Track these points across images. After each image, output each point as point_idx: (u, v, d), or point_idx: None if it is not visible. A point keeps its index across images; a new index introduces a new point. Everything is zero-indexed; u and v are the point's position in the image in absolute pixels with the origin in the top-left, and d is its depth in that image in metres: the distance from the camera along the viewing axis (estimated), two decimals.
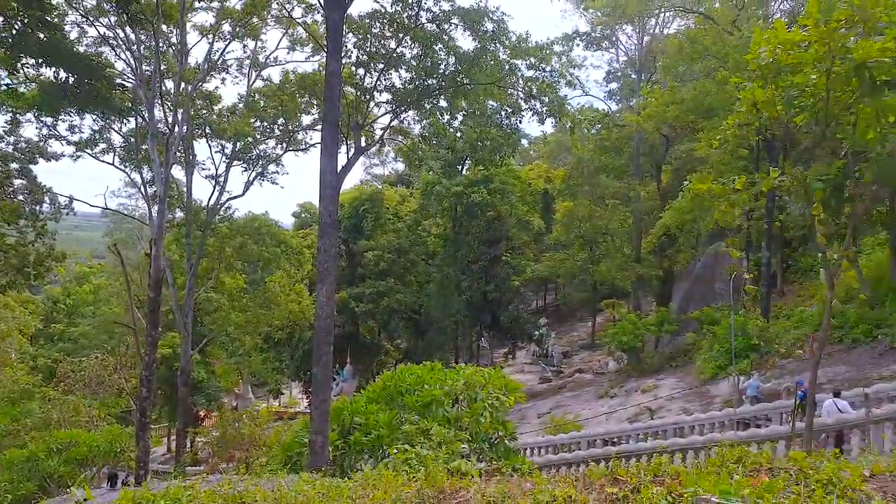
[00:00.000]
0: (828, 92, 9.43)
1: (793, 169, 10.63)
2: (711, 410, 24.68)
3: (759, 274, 34.30)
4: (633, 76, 52.80)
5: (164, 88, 29.90)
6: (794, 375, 24.60)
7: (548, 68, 22.52)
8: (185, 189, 35.31)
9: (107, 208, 34.06)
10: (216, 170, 35.71)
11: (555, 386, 44.73)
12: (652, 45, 50.28)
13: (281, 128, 35.84)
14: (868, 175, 17.93)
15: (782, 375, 26.71)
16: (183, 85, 29.97)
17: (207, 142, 35.37)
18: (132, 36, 28.04)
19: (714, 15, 38.21)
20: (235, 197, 37.20)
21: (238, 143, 35.23)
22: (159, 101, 29.08)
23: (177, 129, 28.97)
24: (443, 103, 23.38)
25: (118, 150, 32.84)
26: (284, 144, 36.66)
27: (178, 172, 35.77)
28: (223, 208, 36.82)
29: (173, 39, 30.30)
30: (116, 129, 32.16)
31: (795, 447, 16.05)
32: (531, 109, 23.14)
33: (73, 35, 27.99)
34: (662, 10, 45.22)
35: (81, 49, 28.01)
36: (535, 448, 23.19)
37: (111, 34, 28.55)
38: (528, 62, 23.00)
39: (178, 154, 31.88)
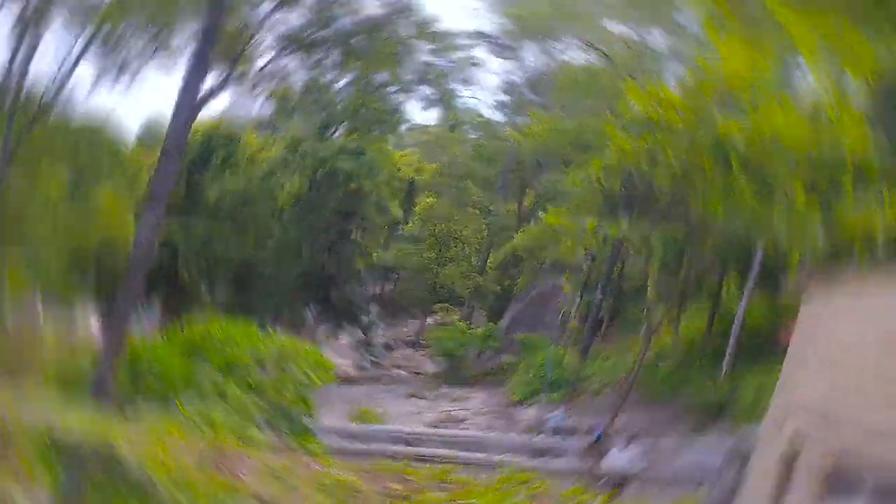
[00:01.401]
0: (689, 156, 9.63)
1: (641, 224, 10.80)
2: (513, 433, 25.20)
3: (587, 314, 35.55)
4: (526, 94, 53.59)
5: None
6: (597, 416, 25.55)
7: (447, 56, 22.07)
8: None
9: None
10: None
11: (370, 376, 44.43)
12: (552, 68, 51.19)
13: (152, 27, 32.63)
14: (707, 246, 18.97)
15: (586, 414, 27.72)
16: None
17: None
18: None
19: (616, 58, 39.18)
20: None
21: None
22: None
23: None
24: (335, 58, 22.26)
25: None
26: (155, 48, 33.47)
27: None
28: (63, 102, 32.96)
29: None
30: None
31: (579, 484, 16.61)
32: (420, 94, 22.61)
33: None
34: (563, 38, 45.97)
35: None
36: (335, 433, 22.56)
37: None
38: (430, 47, 22.46)
39: None
